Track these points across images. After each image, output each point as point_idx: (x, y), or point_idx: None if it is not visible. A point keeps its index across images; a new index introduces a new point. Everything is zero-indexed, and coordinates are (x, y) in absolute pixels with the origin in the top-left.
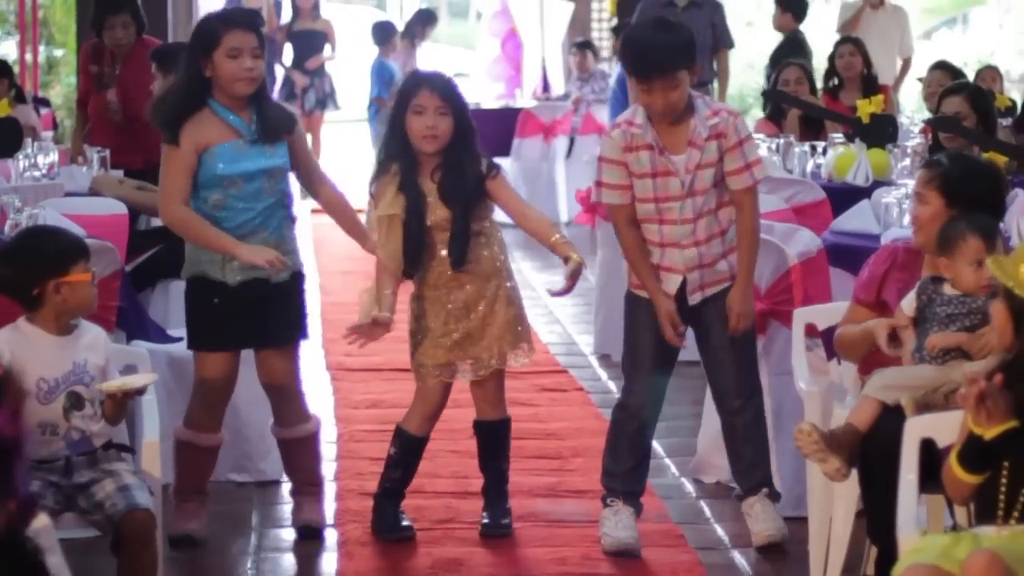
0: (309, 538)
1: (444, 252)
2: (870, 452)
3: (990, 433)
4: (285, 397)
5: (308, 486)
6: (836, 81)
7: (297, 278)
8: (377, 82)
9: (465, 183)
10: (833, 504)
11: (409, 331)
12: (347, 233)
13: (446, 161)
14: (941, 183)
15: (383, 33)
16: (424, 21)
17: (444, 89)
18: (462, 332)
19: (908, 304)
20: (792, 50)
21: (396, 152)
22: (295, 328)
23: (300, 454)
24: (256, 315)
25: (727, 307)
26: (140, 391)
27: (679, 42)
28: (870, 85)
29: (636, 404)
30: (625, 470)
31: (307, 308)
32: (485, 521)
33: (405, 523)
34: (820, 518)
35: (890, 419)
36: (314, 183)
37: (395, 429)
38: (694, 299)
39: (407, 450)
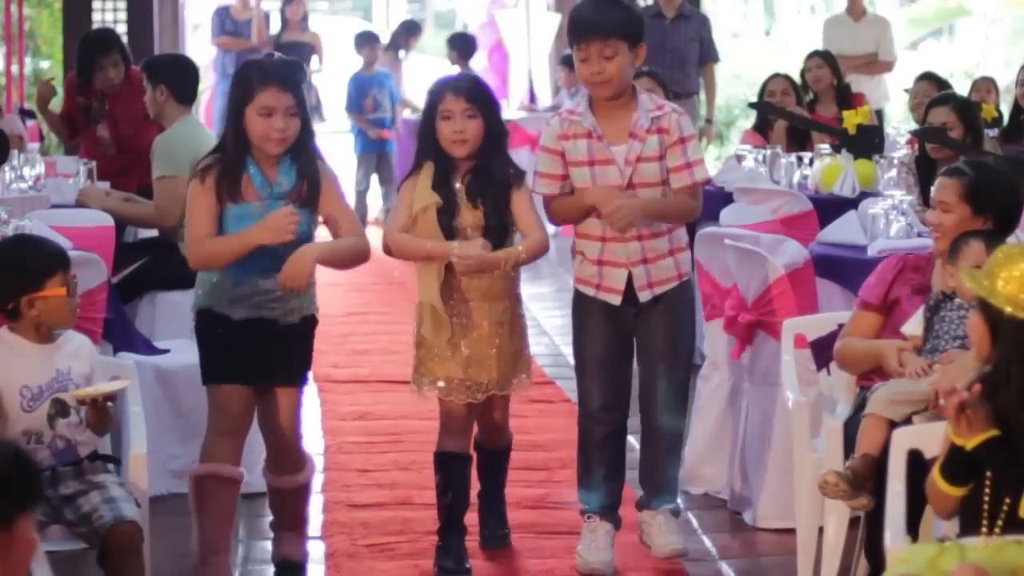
0: (288, 572)
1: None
2: (882, 472)
3: (971, 443)
4: (281, 443)
5: (291, 525)
6: (812, 95)
7: (307, 322)
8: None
9: (494, 184)
10: (824, 514)
11: (415, 342)
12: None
13: (477, 164)
14: (967, 192)
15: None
16: (409, 32)
17: (470, 92)
18: (466, 350)
19: (915, 323)
20: None
21: (429, 155)
22: (297, 372)
23: (286, 502)
24: (259, 353)
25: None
26: (112, 396)
27: (621, 14)
28: (844, 95)
29: (595, 407)
30: (597, 481)
31: (311, 354)
32: (484, 533)
33: (466, 565)
34: (808, 528)
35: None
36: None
37: (433, 456)
38: (644, 296)
39: (445, 473)
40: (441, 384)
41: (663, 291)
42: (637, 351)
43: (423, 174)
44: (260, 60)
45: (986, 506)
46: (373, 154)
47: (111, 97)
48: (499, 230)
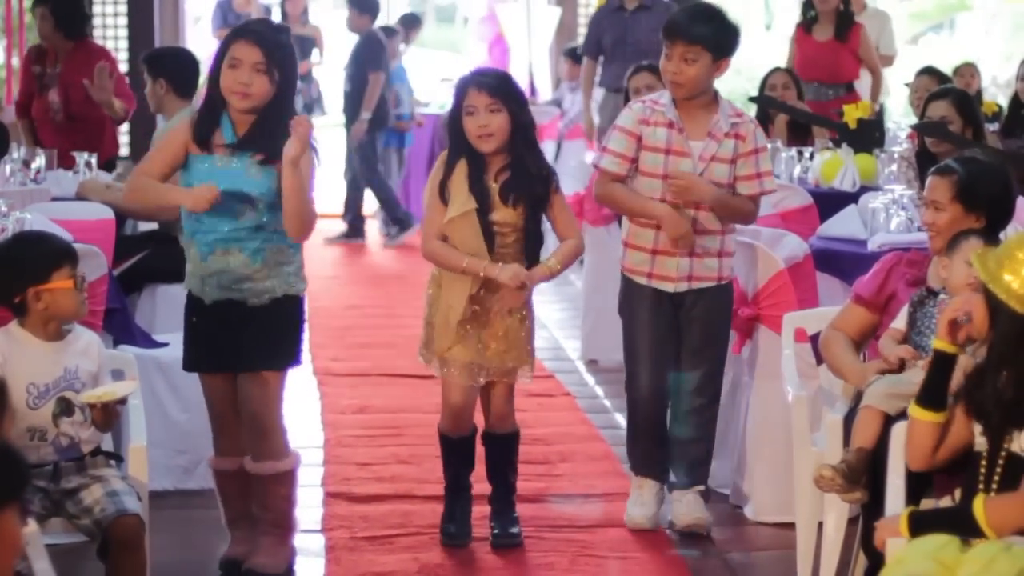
0: None
1: (503, 255)
2: (876, 466)
3: (953, 348)
4: (257, 428)
5: (273, 527)
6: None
7: (279, 303)
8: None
9: (530, 182)
10: (824, 510)
11: (424, 319)
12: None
13: (511, 162)
14: (958, 190)
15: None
16: (408, 25)
17: (493, 85)
18: (475, 335)
19: (900, 318)
20: (372, 50)
21: (460, 152)
22: (274, 355)
23: (267, 493)
24: (230, 338)
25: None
26: (121, 401)
27: (712, 26)
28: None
29: (643, 393)
30: (642, 459)
31: (297, 335)
32: (495, 531)
33: (467, 529)
34: (808, 523)
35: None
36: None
37: (438, 432)
38: (680, 287)
39: (448, 452)
40: (446, 367)
41: (700, 287)
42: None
43: (457, 175)
44: (247, 20)
45: (983, 468)
46: (394, 149)
47: (63, 62)
48: (535, 232)
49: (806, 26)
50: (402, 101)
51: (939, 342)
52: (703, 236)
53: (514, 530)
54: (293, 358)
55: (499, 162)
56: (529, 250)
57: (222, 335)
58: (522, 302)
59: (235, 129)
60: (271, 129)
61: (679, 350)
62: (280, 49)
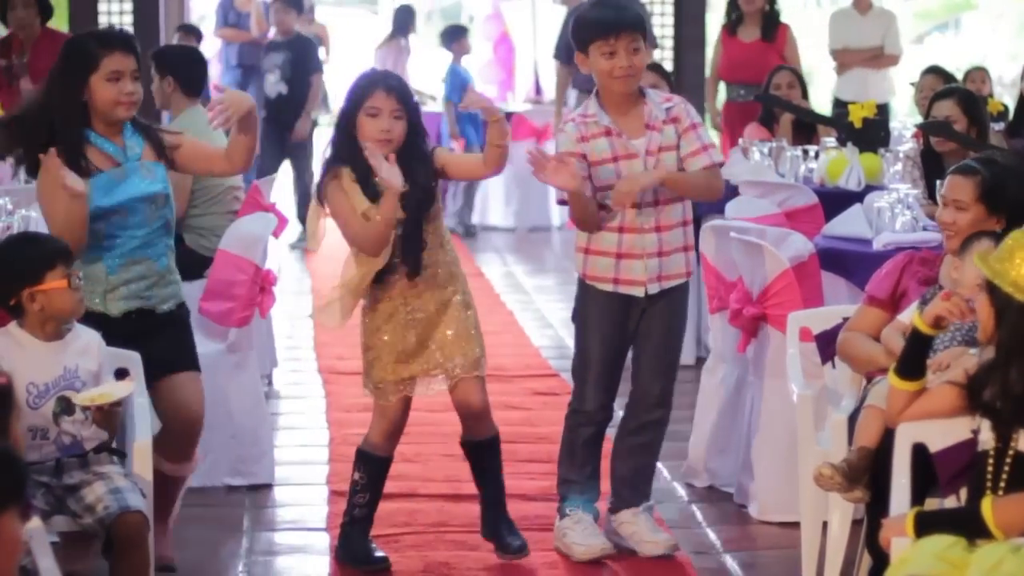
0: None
1: (399, 256)
2: (878, 467)
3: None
4: (191, 431)
5: (167, 519)
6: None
7: (182, 308)
8: (449, 87)
9: (416, 188)
10: (828, 509)
11: (362, 346)
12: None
13: (398, 165)
14: (983, 191)
15: (453, 35)
16: (409, 17)
17: (401, 92)
18: (420, 342)
19: (909, 314)
20: (312, 52)
21: (347, 155)
22: (192, 356)
23: (176, 493)
24: (143, 346)
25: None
26: (117, 403)
27: (638, 9)
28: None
29: (590, 408)
30: (584, 476)
31: (193, 340)
32: (498, 542)
33: (379, 554)
34: (812, 522)
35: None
36: (218, 161)
37: (356, 453)
38: (652, 288)
39: (373, 473)
40: (401, 383)
41: (670, 286)
42: (635, 346)
43: (345, 179)
44: (94, 30)
45: (990, 467)
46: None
47: (31, 50)
48: (415, 230)
49: (730, 27)
50: None
51: (919, 323)
52: (667, 231)
53: (519, 542)
54: (198, 362)
55: None
56: (412, 257)
57: (133, 345)
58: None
59: (111, 140)
60: (144, 125)
61: (637, 358)
62: (139, 53)
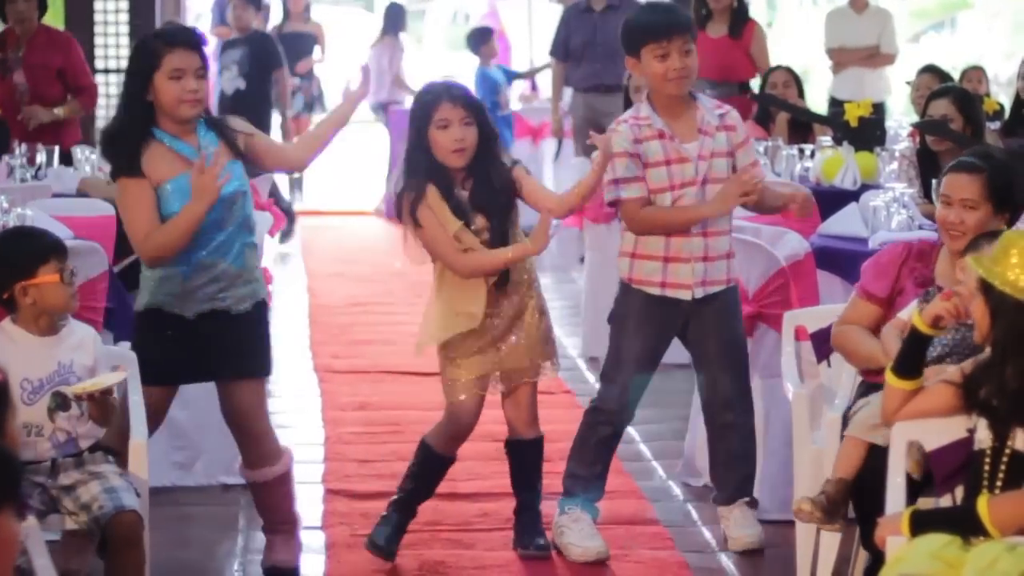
0: None
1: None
2: (860, 491)
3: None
4: (250, 436)
5: (281, 524)
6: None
7: (260, 308)
8: (479, 91)
9: (496, 193)
10: None
11: (438, 346)
12: (329, 130)
13: (474, 172)
14: (991, 189)
15: (479, 39)
16: (400, 14)
17: (465, 99)
18: (495, 343)
19: (909, 312)
20: (273, 48)
21: (426, 169)
22: (259, 361)
23: (270, 496)
24: (214, 348)
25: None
26: (108, 390)
27: (687, 12)
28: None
29: (613, 409)
30: (592, 475)
31: (270, 342)
32: (523, 541)
33: (389, 549)
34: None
35: (877, 458)
36: (284, 159)
37: (420, 441)
38: (698, 292)
39: (427, 467)
40: (476, 382)
41: (714, 291)
42: (695, 356)
43: (430, 197)
44: (159, 28)
45: (987, 465)
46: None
47: (27, 44)
48: (501, 237)
49: (698, 23)
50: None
51: (919, 322)
52: (715, 237)
53: (543, 541)
54: (270, 365)
55: (461, 174)
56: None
57: (203, 347)
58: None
59: (184, 140)
60: (217, 122)
61: (698, 366)
62: (204, 49)
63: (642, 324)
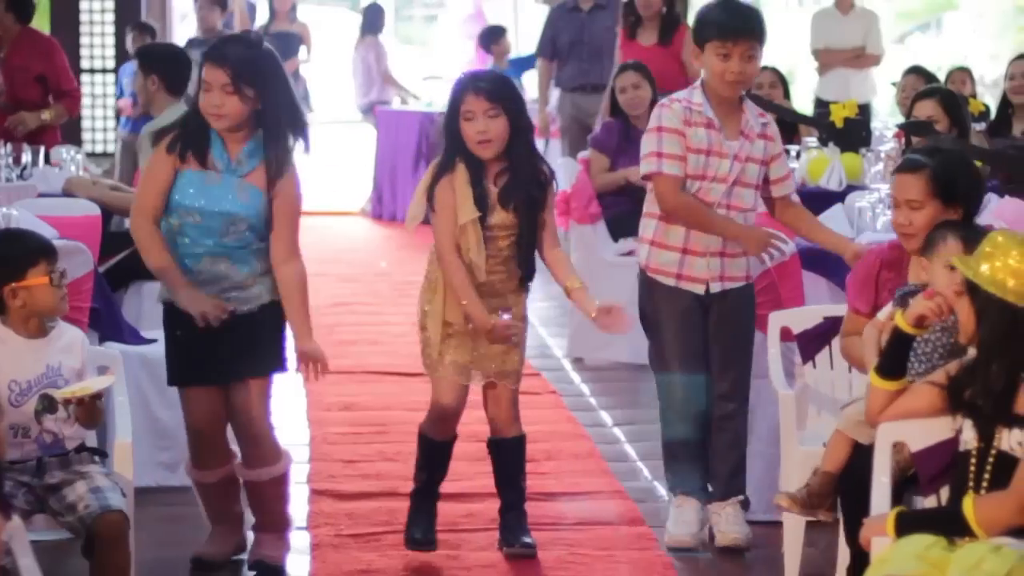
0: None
1: (495, 258)
2: (846, 487)
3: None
4: (248, 435)
5: (273, 524)
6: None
7: (267, 310)
8: None
9: (528, 186)
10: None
11: (419, 324)
12: (288, 318)
13: (509, 166)
14: (935, 186)
15: (492, 37)
16: (379, 12)
17: (491, 90)
18: (472, 336)
19: (884, 312)
20: None
21: (457, 155)
22: (262, 362)
23: (265, 496)
24: (219, 348)
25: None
26: (97, 395)
27: (760, 16)
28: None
29: (681, 406)
30: (685, 468)
31: (283, 340)
32: (510, 543)
33: (421, 537)
34: (795, 522)
35: (863, 455)
36: (278, 257)
37: (418, 431)
38: (714, 287)
39: (428, 455)
40: (457, 368)
41: (732, 287)
42: (705, 343)
43: (458, 179)
44: (216, 39)
45: (973, 466)
46: None
47: (9, 47)
48: (529, 232)
49: (629, 31)
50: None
51: (902, 322)
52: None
53: (528, 540)
54: (281, 363)
55: (497, 165)
56: (521, 256)
57: (210, 345)
58: (509, 337)
59: (225, 147)
60: (272, 154)
61: (707, 354)
62: (245, 67)
63: (674, 315)
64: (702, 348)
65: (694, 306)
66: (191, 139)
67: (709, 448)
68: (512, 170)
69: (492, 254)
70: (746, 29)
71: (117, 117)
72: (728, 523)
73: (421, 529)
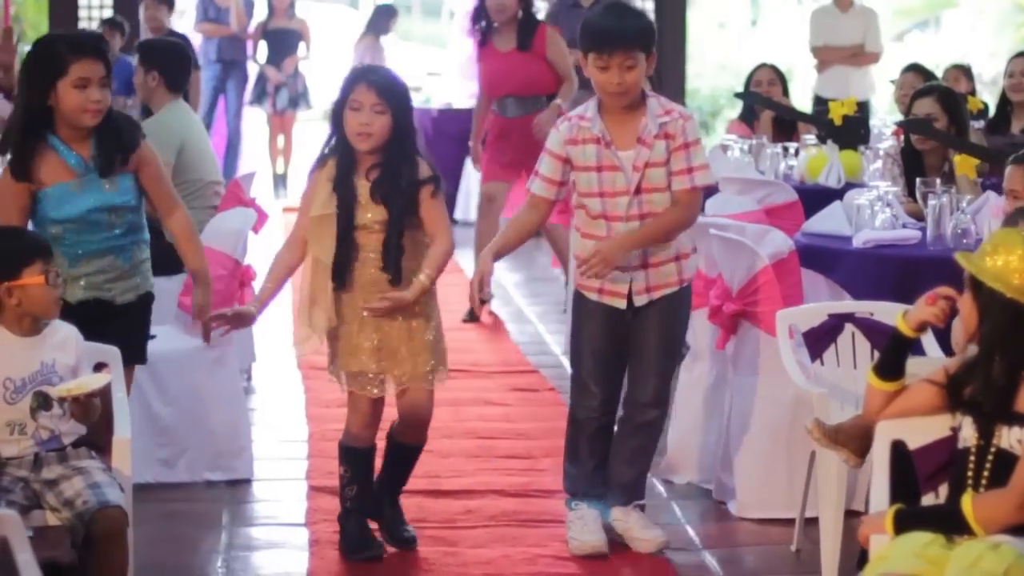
0: None
1: (373, 255)
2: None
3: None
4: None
5: None
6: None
7: (144, 299)
8: None
9: (398, 186)
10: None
11: (327, 336)
12: (188, 264)
13: (382, 161)
14: None
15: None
16: (387, 15)
17: (383, 86)
18: (378, 343)
19: None
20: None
21: (335, 147)
22: (137, 351)
23: None
24: (94, 336)
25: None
26: (93, 394)
27: (641, 23)
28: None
29: (592, 403)
30: (587, 472)
31: (148, 332)
32: (392, 531)
33: (374, 542)
34: (832, 520)
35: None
36: (163, 213)
37: (339, 447)
38: (640, 300)
39: (357, 465)
40: (362, 377)
41: (660, 295)
42: (630, 350)
43: (324, 172)
44: (65, 33)
45: (971, 464)
46: None
47: None
48: (398, 233)
49: (483, 39)
50: None
51: (903, 325)
52: (655, 244)
53: (410, 533)
54: (142, 356)
55: (370, 160)
56: (389, 256)
57: (87, 333)
58: (393, 310)
59: (72, 148)
60: (114, 141)
61: (630, 360)
62: (109, 59)
63: (593, 325)
64: (616, 366)
65: (614, 321)
66: (25, 155)
67: (613, 453)
68: (384, 165)
69: (361, 254)
70: (622, 39)
71: None
72: (642, 528)
73: (370, 546)
